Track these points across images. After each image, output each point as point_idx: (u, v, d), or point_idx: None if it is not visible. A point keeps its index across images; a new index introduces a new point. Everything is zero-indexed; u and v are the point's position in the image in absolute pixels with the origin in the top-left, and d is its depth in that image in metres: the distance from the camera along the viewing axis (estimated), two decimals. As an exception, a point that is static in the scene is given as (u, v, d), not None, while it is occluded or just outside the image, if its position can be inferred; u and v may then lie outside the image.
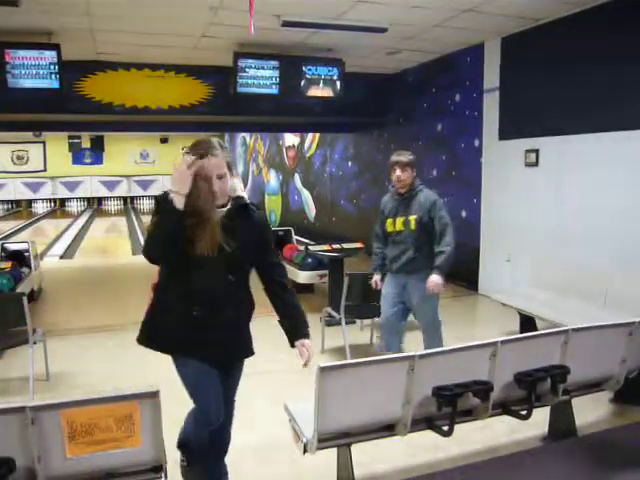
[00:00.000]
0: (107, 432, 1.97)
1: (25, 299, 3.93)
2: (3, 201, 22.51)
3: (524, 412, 2.71)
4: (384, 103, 8.64)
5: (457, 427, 2.54)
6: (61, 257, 11.10)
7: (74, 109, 7.26)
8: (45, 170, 22.42)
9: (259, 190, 16.52)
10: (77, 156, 22.45)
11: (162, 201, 2.15)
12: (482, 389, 2.50)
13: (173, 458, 2.28)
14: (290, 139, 13.85)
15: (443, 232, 3.67)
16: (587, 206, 5.27)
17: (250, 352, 2.42)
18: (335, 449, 2.53)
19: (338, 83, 6.99)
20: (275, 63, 6.68)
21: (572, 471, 2.72)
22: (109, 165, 22.96)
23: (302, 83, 6.85)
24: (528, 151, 5.96)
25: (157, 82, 7.49)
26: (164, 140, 22.51)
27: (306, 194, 13.06)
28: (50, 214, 21.70)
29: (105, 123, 9.20)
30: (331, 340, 4.84)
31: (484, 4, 5.13)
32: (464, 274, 7.02)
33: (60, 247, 12.59)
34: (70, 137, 20.85)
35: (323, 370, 2.24)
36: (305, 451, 2.39)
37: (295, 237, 8.03)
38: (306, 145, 12.85)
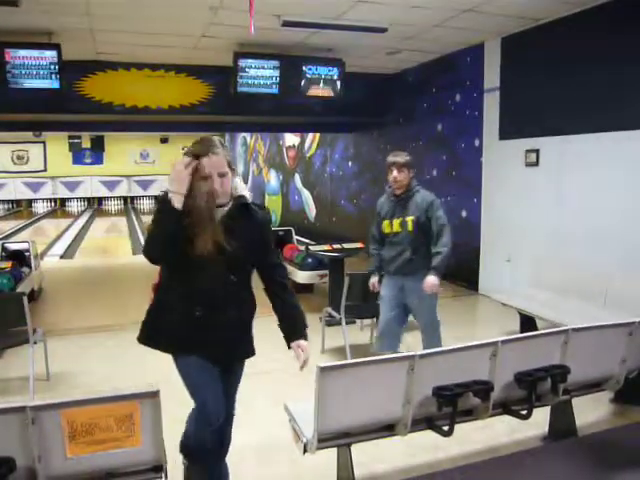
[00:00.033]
0: (107, 432, 1.97)
1: (25, 299, 3.93)
2: (3, 201, 22.51)
3: (524, 412, 2.71)
4: (384, 103, 8.64)
5: (457, 427, 2.54)
6: (61, 257, 11.10)
7: (74, 109, 7.27)
8: (45, 170, 22.42)
9: (259, 190, 16.52)
10: (77, 156, 22.46)
11: (162, 201, 2.15)
12: (482, 389, 2.50)
13: (173, 458, 2.28)
14: (290, 139, 13.85)
15: (440, 233, 3.65)
16: (587, 206, 5.27)
17: (251, 353, 2.41)
18: (335, 449, 2.53)
19: (338, 83, 6.99)
20: (275, 63, 6.68)
21: (572, 471, 2.72)
22: (109, 165, 22.96)
23: (302, 83, 6.86)
24: (528, 151, 5.96)
25: (157, 82, 7.49)
26: (164, 140, 22.52)
27: (306, 194, 13.06)
28: (50, 214, 21.70)
29: (105, 123, 9.21)
30: (331, 340, 4.84)
31: (484, 4, 5.13)
32: (464, 274, 7.02)
33: (60, 247, 12.59)
34: (70, 137, 20.90)
35: (323, 370, 2.24)
36: (305, 451, 2.39)
37: (295, 237, 8.02)
38: (306, 145, 12.85)
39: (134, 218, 18.84)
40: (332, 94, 7.03)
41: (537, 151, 5.87)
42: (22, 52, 5.87)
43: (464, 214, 7.13)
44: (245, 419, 2.75)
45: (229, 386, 2.39)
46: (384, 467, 2.91)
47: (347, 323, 4.64)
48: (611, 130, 4.96)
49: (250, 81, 6.63)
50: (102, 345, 5.04)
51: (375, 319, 4.48)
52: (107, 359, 4.66)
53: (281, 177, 14.98)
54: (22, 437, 1.91)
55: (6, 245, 7.04)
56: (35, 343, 4.02)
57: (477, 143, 6.84)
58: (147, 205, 23.43)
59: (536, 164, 5.89)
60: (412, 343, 4.21)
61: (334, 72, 6.96)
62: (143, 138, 21.72)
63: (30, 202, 23.06)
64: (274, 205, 15.14)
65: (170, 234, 2.12)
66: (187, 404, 2.28)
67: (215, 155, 2.16)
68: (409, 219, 3.71)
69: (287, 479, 2.87)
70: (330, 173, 11.62)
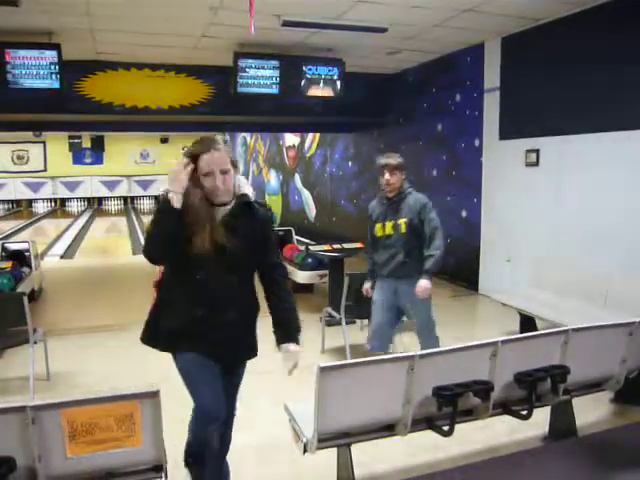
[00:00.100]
0: (107, 432, 1.98)
1: (25, 299, 3.93)
2: (3, 201, 22.51)
3: (524, 412, 2.71)
4: (384, 103, 8.64)
5: (457, 427, 2.54)
6: (61, 257, 11.10)
7: (74, 109, 7.27)
8: (45, 170, 22.42)
9: (259, 190, 16.52)
10: (77, 156, 22.46)
11: (162, 200, 2.15)
12: (482, 389, 2.50)
13: (173, 458, 2.28)
14: (290, 139, 13.85)
15: (433, 236, 3.62)
16: (587, 206, 5.27)
17: (253, 354, 2.40)
18: (335, 449, 2.53)
19: (338, 83, 6.99)
20: (275, 63, 6.68)
21: (572, 471, 2.72)
22: (109, 165, 22.96)
23: (302, 83, 6.86)
24: (528, 151, 5.96)
25: (157, 82, 7.49)
26: (164, 140, 22.52)
27: (306, 194, 13.06)
28: (50, 214, 21.70)
29: (105, 123, 9.21)
30: (331, 340, 4.84)
31: (484, 4, 5.13)
32: (464, 274, 7.03)
33: (60, 247, 12.58)
34: (70, 137, 20.89)
35: (323, 370, 2.24)
36: (305, 451, 2.38)
37: (295, 237, 8.03)
38: (306, 145, 12.86)
39: (134, 218, 18.84)
40: (332, 94, 7.03)
41: (537, 151, 5.87)
42: (22, 52, 5.87)
43: (464, 214, 7.13)
44: (245, 419, 2.75)
45: (230, 386, 2.38)
46: (384, 467, 2.91)
47: (347, 323, 4.63)
48: (611, 130, 4.96)
49: (250, 81, 6.63)
50: (102, 345, 5.04)
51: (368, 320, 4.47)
52: (107, 359, 4.66)
53: (281, 177, 14.99)
54: (22, 437, 1.91)
55: (6, 245, 7.04)
56: (35, 343, 4.02)
57: (477, 143, 6.84)
58: (147, 205, 23.44)
59: (536, 164, 5.89)
60: (409, 343, 4.21)
61: (334, 72, 6.96)
62: (143, 138, 21.72)
63: (30, 202, 23.06)
64: (274, 205, 15.14)
65: (170, 234, 2.12)
66: (187, 404, 2.28)
67: (217, 151, 2.15)
68: (402, 221, 3.67)
69: (287, 479, 2.87)
70: (330, 173, 11.62)
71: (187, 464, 2.30)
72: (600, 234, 5.07)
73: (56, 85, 6.05)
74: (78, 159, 22.55)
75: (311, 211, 12.81)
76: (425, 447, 3.00)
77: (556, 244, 5.61)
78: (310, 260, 6.26)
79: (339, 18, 5.55)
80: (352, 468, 2.53)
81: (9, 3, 4.72)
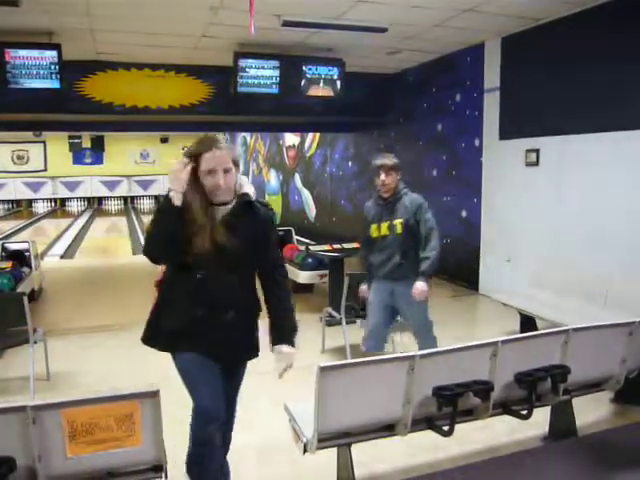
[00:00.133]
0: (107, 431, 1.98)
1: (25, 299, 3.93)
2: (3, 201, 22.53)
3: (524, 412, 2.71)
4: (384, 103, 8.64)
5: (457, 427, 2.54)
6: (61, 257, 11.10)
7: (74, 109, 7.27)
8: (45, 170, 22.43)
9: (259, 190, 16.53)
10: (77, 156, 22.47)
11: (163, 199, 2.15)
12: (482, 389, 2.50)
13: (173, 458, 2.28)
14: (290, 139, 13.85)
15: (428, 237, 3.61)
16: (587, 206, 5.27)
17: (254, 354, 2.38)
18: (335, 449, 2.53)
19: (338, 83, 6.99)
20: (275, 63, 6.68)
21: (572, 471, 2.72)
22: (109, 165, 22.97)
23: (302, 83, 6.86)
24: (528, 151, 5.96)
25: (157, 82, 7.49)
26: (164, 140, 22.53)
27: (306, 194, 13.06)
28: (50, 214, 21.71)
29: (105, 123, 9.21)
30: (331, 340, 4.84)
31: (484, 4, 5.13)
32: (464, 274, 7.03)
33: (60, 247, 12.59)
34: (70, 137, 20.89)
35: (323, 370, 2.24)
36: (305, 451, 2.38)
37: (295, 237, 8.03)
38: (306, 145, 12.86)
39: (134, 218, 18.85)
40: (332, 94, 7.03)
41: (537, 151, 5.87)
42: (22, 52, 5.87)
43: (464, 214, 7.13)
44: (245, 419, 2.75)
45: (230, 389, 2.37)
46: (384, 467, 2.90)
47: (347, 323, 4.63)
48: (611, 130, 4.96)
49: (250, 81, 6.63)
50: (102, 345, 5.04)
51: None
52: (107, 359, 4.66)
53: (281, 177, 14.99)
54: (22, 437, 1.91)
55: (6, 245, 7.04)
56: (35, 343, 4.02)
57: (477, 143, 6.83)
58: (147, 205, 23.44)
59: (536, 164, 5.89)
60: (408, 343, 4.20)
61: (334, 72, 6.96)
62: (143, 138, 21.73)
63: (30, 202, 23.08)
64: (274, 205, 15.10)
65: (170, 233, 2.12)
66: (187, 404, 2.28)
67: (219, 150, 2.15)
68: (397, 222, 3.66)
69: (287, 479, 2.87)
70: (330, 173, 11.62)
71: (189, 471, 2.29)
72: (600, 234, 5.07)
73: (56, 85, 6.05)
74: (78, 159, 22.56)
75: (311, 211, 12.81)
76: (425, 447, 2.99)
77: (556, 244, 5.61)
78: (310, 260, 6.26)
79: (339, 18, 5.55)
80: (352, 468, 2.53)
81: (9, 3, 4.72)
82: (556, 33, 5.55)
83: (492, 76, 6.50)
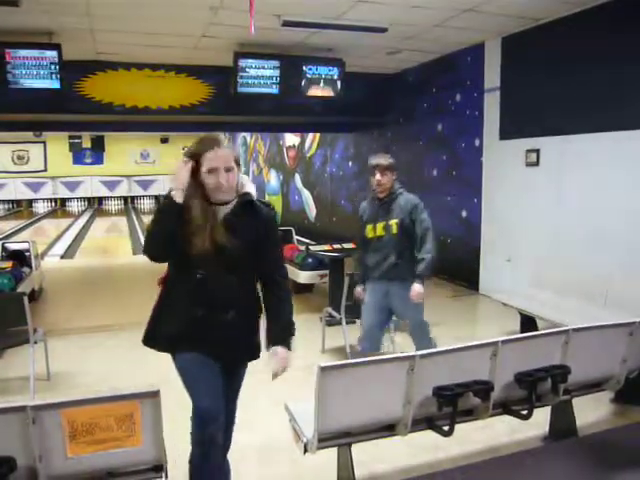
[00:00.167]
0: (108, 431, 1.97)
1: (26, 299, 3.93)
2: (4, 201, 22.53)
3: (525, 412, 2.71)
4: (384, 103, 8.64)
5: (458, 427, 2.54)
6: (62, 257, 11.10)
7: (74, 109, 7.27)
8: (46, 170, 22.44)
9: (260, 190, 16.53)
10: (77, 156, 22.48)
11: (164, 198, 2.16)
12: (483, 389, 2.49)
13: (173, 458, 2.28)
14: (290, 139, 13.85)
15: (423, 238, 3.60)
16: (587, 206, 5.27)
17: (255, 355, 2.37)
18: (335, 449, 2.52)
19: (338, 83, 6.99)
20: (275, 63, 6.68)
21: (572, 471, 2.72)
22: (109, 165, 22.98)
23: (302, 83, 6.86)
24: (529, 151, 5.96)
25: (157, 82, 7.49)
26: (164, 140, 22.54)
27: (306, 194, 13.06)
28: (51, 214, 21.71)
29: (105, 123, 9.21)
30: (331, 340, 4.83)
31: (484, 4, 5.13)
32: (464, 274, 7.03)
33: (61, 247, 12.59)
34: (70, 137, 20.92)
35: (323, 370, 2.24)
36: (305, 451, 2.38)
37: (295, 237, 8.03)
38: (306, 145, 12.86)
39: (134, 218, 18.85)
40: (332, 94, 7.04)
41: (537, 151, 5.87)
42: (22, 52, 5.87)
43: (464, 214, 7.13)
44: (245, 419, 2.74)
45: (230, 391, 2.35)
46: (384, 467, 2.91)
47: (347, 323, 4.63)
48: (611, 130, 4.96)
49: (250, 81, 6.63)
50: (102, 345, 5.04)
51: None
52: (107, 359, 4.66)
53: (281, 177, 14.99)
54: (23, 437, 1.91)
55: (6, 245, 7.05)
56: (35, 343, 4.03)
57: (477, 143, 6.83)
58: (147, 205, 23.45)
59: (536, 164, 5.89)
60: (405, 344, 4.20)
61: (334, 72, 6.96)
62: (143, 138, 21.74)
63: (30, 202, 23.09)
64: (274, 205, 15.15)
65: (170, 232, 2.12)
66: (187, 404, 2.28)
67: (221, 149, 2.16)
68: (393, 222, 3.65)
69: (287, 479, 2.87)
70: (330, 173, 11.62)
71: (191, 470, 2.29)
72: (600, 234, 5.07)
73: (56, 85, 6.05)
74: (78, 159, 22.57)
75: (311, 211, 12.81)
76: (425, 447, 2.99)
77: (556, 244, 5.61)
78: (310, 260, 6.26)
79: (339, 18, 5.55)
80: (352, 468, 2.53)
81: (9, 3, 4.72)
82: (556, 33, 5.55)
83: (492, 76, 6.50)
